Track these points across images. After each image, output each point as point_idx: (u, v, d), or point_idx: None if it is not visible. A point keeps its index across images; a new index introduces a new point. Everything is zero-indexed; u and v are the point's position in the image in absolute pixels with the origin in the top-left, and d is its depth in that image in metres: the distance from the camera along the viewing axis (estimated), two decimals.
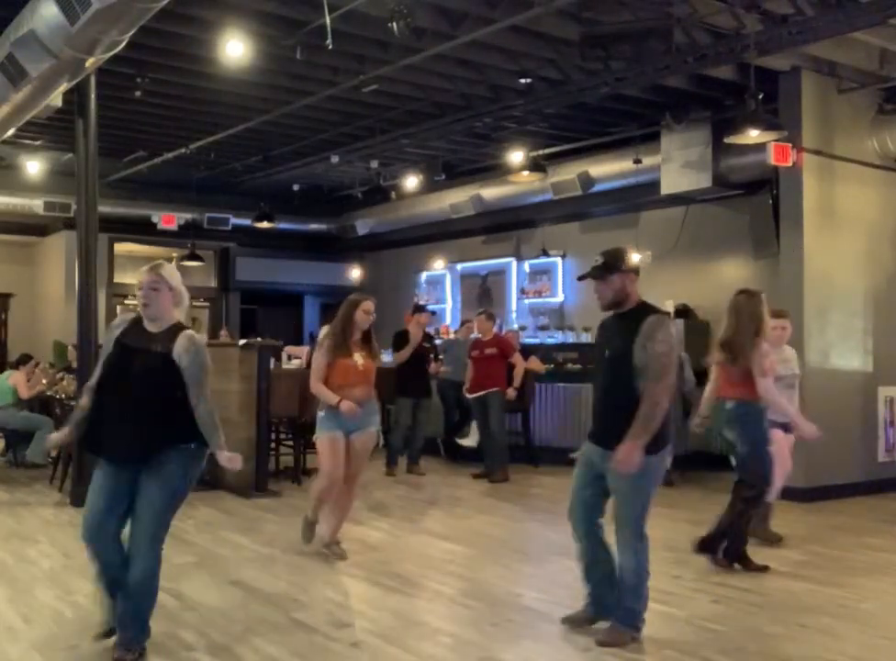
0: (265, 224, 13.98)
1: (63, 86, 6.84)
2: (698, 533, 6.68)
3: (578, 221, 12.70)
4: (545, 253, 13.04)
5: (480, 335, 9.77)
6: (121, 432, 3.93)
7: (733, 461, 5.78)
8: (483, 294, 14.09)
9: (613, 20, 7.15)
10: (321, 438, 5.89)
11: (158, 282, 4.13)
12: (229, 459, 3.97)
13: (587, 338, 11.33)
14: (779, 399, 5.74)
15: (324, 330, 9.93)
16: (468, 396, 9.62)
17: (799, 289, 8.17)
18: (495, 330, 9.98)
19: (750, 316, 5.56)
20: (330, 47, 6.72)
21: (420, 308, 9.99)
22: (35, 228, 14.31)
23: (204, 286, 15.72)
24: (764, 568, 5.57)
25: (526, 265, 13.50)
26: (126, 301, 15.29)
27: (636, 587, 4.25)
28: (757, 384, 5.52)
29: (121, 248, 14.87)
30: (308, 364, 9.90)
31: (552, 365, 10.84)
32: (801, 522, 6.57)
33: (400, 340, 9.78)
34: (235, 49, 7.31)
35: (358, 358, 5.91)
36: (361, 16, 7.10)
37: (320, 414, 5.92)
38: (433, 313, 11.90)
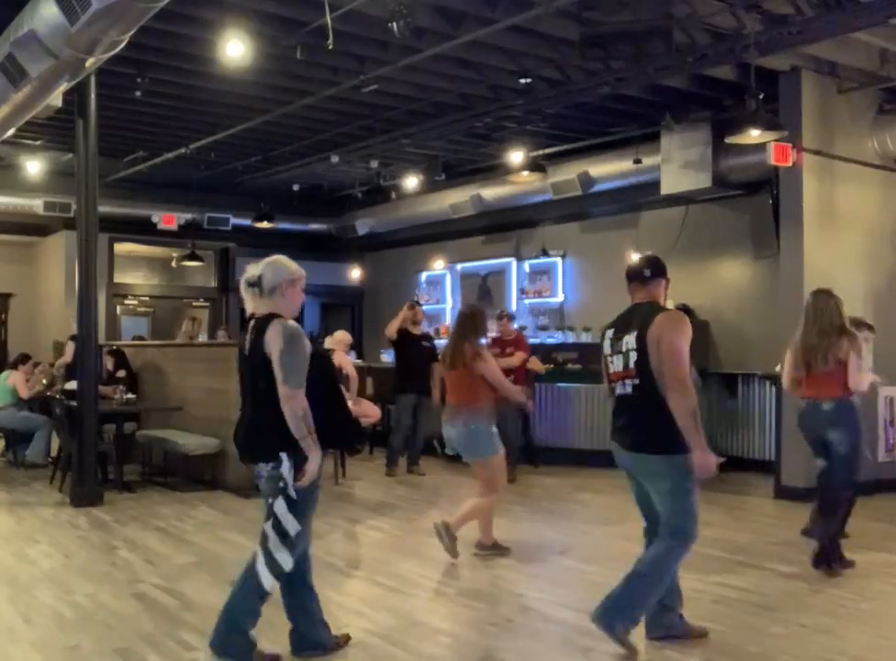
0: (265, 224, 13.96)
1: (63, 86, 6.84)
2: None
3: (578, 221, 12.70)
4: (545, 253, 13.03)
5: (499, 334, 9.75)
6: None
7: (820, 463, 5.83)
8: (483, 294, 14.08)
9: (613, 20, 7.14)
10: (501, 455, 5.96)
11: None
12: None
13: (587, 338, 11.33)
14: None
15: (339, 335, 9.97)
16: None
17: (799, 289, 8.16)
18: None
19: (839, 313, 5.68)
20: (331, 47, 6.72)
21: (413, 304, 10.26)
22: (35, 228, 14.29)
23: (204, 286, 15.72)
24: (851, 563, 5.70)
25: (526, 265, 13.49)
26: (126, 301, 15.30)
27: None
28: (851, 379, 5.59)
29: (121, 248, 14.86)
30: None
31: (552, 365, 10.84)
32: (801, 522, 6.55)
33: (397, 340, 9.84)
34: (235, 49, 7.30)
35: None
36: (361, 16, 7.10)
37: (492, 429, 5.87)
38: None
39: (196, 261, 14.27)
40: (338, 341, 9.86)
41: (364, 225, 15.19)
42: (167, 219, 13.73)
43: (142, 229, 13.99)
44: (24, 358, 10.53)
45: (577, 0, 6.87)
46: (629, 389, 4.10)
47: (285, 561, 3.79)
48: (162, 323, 15.50)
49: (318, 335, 15.03)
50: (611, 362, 4.23)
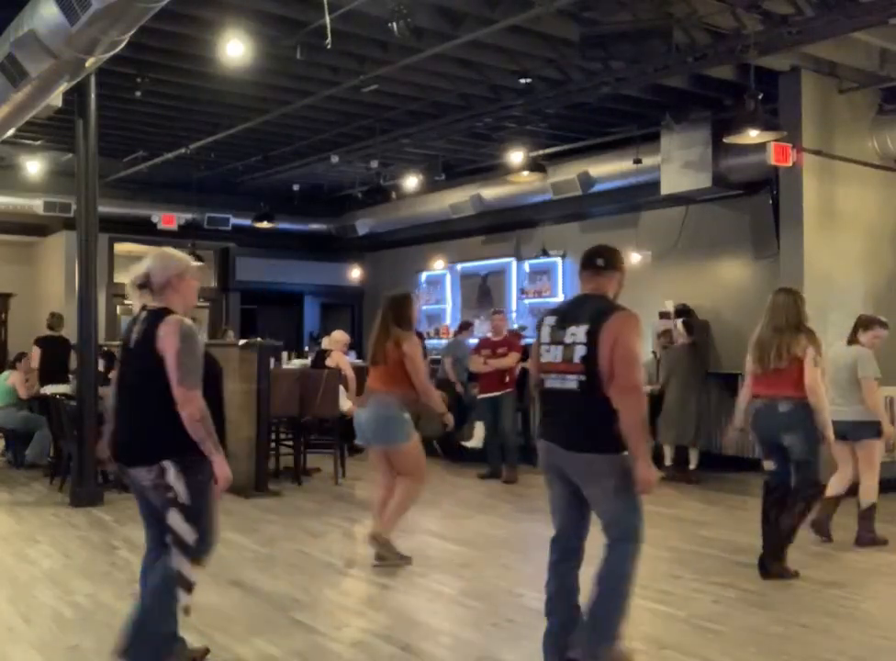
0: (265, 224, 13.97)
1: (63, 86, 6.84)
2: (698, 533, 6.67)
3: (578, 221, 12.70)
4: (545, 253, 13.04)
5: (490, 335, 9.74)
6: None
7: (769, 465, 5.65)
8: (483, 294, 14.09)
9: (613, 20, 7.15)
10: (416, 442, 5.76)
11: None
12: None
13: None
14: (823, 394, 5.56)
15: (336, 335, 9.83)
16: (479, 396, 9.57)
17: (799, 289, 8.16)
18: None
19: (798, 310, 5.62)
20: (329, 47, 6.71)
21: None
22: (35, 228, 14.30)
23: (204, 286, 15.71)
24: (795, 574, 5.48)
25: (526, 265, 13.49)
26: (126, 301, 15.27)
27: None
28: (807, 375, 5.41)
29: (121, 248, 14.85)
30: (313, 364, 9.92)
31: None
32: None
33: None
34: (235, 49, 7.30)
35: None
36: (361, 16, 7.10)
37: (404, 416, 5.67)
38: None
39: (195, 261, 14.24)
40: (336, 340, 9.83)
41: (363, 225, 15.19)
42: (167, 219, 13.73)
43: (142, 229, 13.98)
44: (21, 357, 10.51)
45: (577, 0, 6.88)
46: (572, 385, 3.79)
47: (191, 573, 3.61)
48: None
49: (317, 335, 15.03)
50: (547, 351, 3.90)
